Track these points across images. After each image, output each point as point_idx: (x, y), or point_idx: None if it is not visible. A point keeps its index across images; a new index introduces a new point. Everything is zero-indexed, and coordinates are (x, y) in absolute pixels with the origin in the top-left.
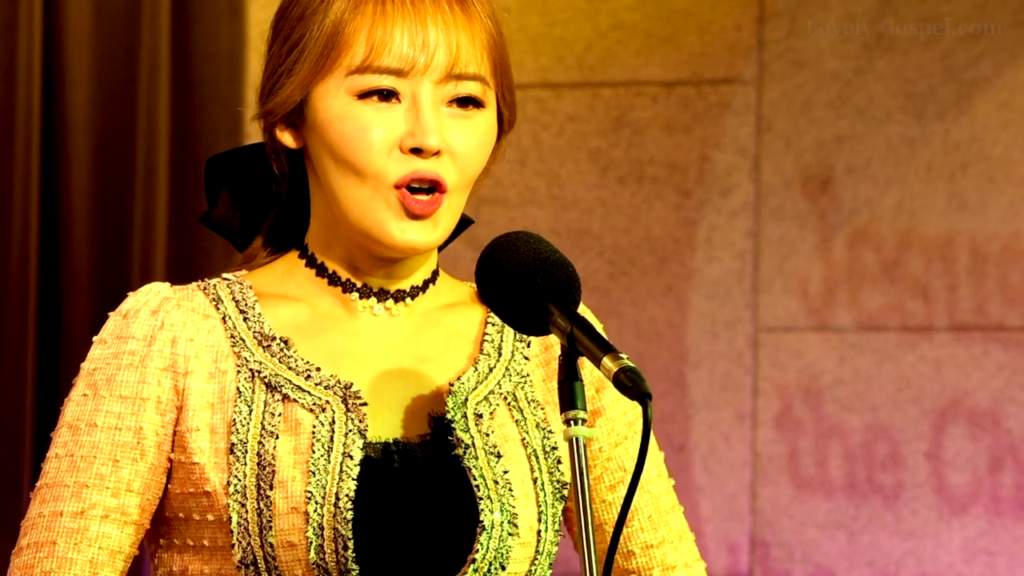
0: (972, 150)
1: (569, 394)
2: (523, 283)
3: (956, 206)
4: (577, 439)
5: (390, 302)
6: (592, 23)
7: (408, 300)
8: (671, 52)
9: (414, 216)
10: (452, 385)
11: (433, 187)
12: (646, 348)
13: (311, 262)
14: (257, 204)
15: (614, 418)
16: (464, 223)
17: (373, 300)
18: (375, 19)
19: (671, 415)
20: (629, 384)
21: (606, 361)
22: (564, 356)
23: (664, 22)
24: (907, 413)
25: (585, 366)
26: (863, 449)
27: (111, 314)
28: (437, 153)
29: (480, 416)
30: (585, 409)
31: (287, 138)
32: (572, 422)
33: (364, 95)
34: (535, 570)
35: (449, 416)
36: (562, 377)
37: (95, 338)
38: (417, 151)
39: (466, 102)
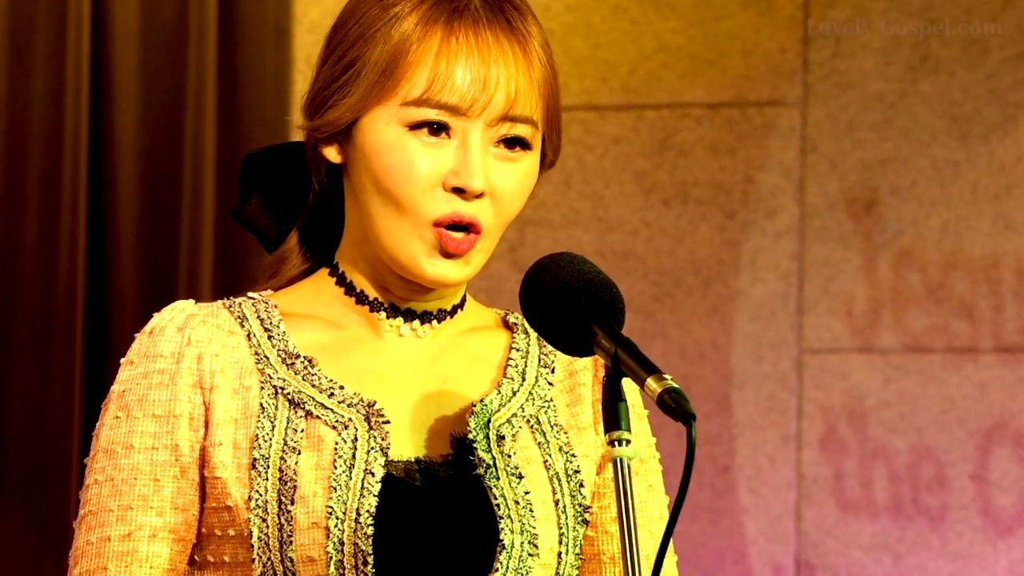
0: (1017, 171)
1: (613, 415)
2: (567, 304)
3: (1001, 227)
4: (621, 460)
5: (416, 323)
6: (637, 45)
7: (435, 323)
8: (716, 74)
9: (447, 255)
10: (475, 406)
11: (469, 227)
12: (691, 369)
13: (341, 280)
14: (290, 205)
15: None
16: None
17: (400, 320)
18: (440, 52)
19: (716, 436)
20: (673, 405)
21: (650, 382)
22: (608, 377)
23: (709, 45)
24: (952, 435)
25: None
26: (908, 471)
27: (137, 335)
28: (480, 195)
29: (502, 438)
30: (629, 430)
31: (331, 153)
32: (616, 443)
33: (415, 126)
34: None
35: (471, 436)
36: (606, 398)
37: (123, 360)
38: (460, 191)
39: (514, 143)
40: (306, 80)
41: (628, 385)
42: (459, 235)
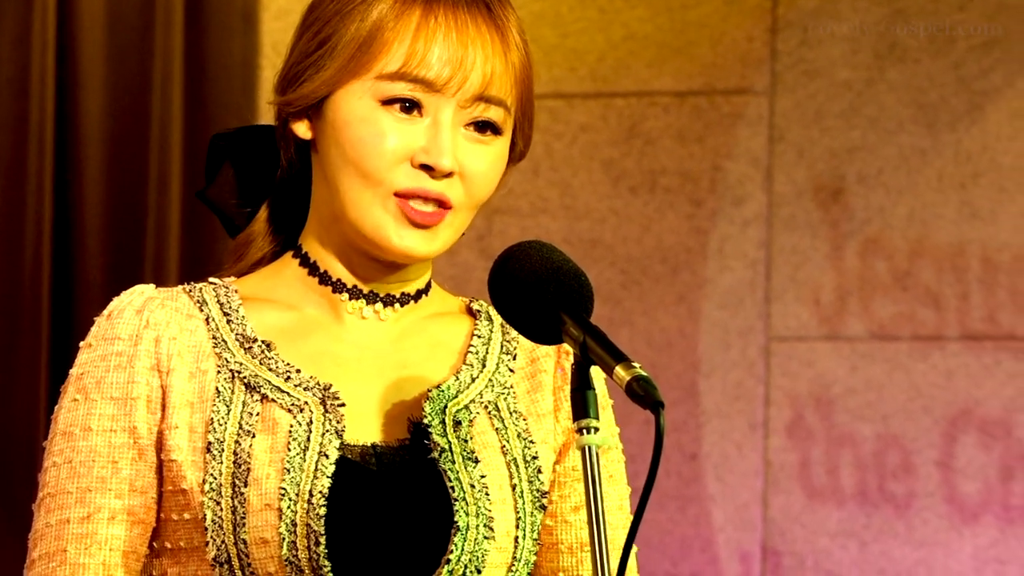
0: (983, 160)
1: (582, 403)
2: (536, 292)
3: (967, 215)
4: (590, 448)
5: (379, 305)
6: (605, 34)
7: (398, 306)
8: (683, 63)
9: (416, 225)
10: (431, 392)
11: (437, 202)
12: (658, 357)
13: (304, 261)
14: (256, 187)
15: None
16: None
17: (363, 302)
18: (419, 29)
19: (683, 424)
20: (642, 393)
21: (619, 370)
22: (576, 365)
23: (676, 33)
24: (918, 422)
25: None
26: (874, 458)
27: (96, 318)
28: (449, 175)
29: (459, 423)
30: (598, 418)
31: (300, 128)
32: (585, 431)
33: (388, 102)
34: None
35: (427, 421)
36: (574, 386)
37: (81, 343)
38: (428, 168)
39: (485, 127)
40: (273, 67)
41: (594, 373)
42: (428, 208)
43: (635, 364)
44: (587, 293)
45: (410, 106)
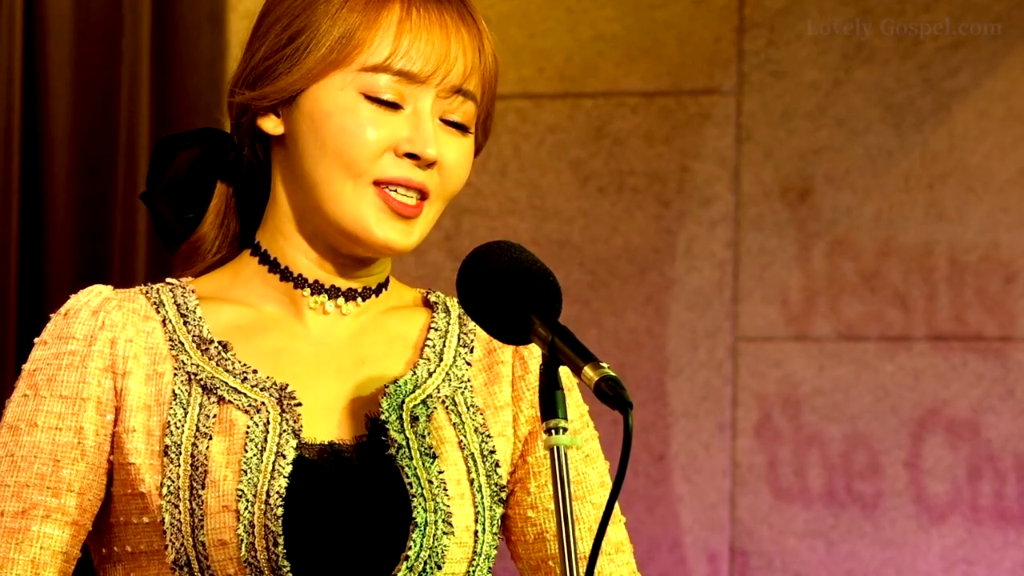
0: (951, 160)
1: (550, 403)
2: (504, 293)
3: (934, 216)
4: (558, 448)
5: (341, 300)
6: (572, 34)
7: (359, 300)
8: (651, 63)
9: (397, 215)
10: (387, 388)
11: (418, 192)
12: (626, 358)
13: (264, 259)
14: (199, 192)
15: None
16: None
17: (324, 297)
18: (403, 21)
19: (651, 424)
20: (610, 393)
21: (587, 370)
22: (545, 365)
23: (644, 33)
24: (886, 423)
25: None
26: (842, 459)
27: (52, 315)
28: (432, 164)
29: (416, 419)
30: (566, 418)
31: (268, 124)
32: (553, 431)
33: (370, 97)
34: (473, 571)
35: (383, 417)
36: (543, 386)
37: (36, 339)
38: (413, 157)
39: (455, 126)
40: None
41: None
42: (410, 199)
43: (603, 364)
44: (555, 293)
45: (391, 104)
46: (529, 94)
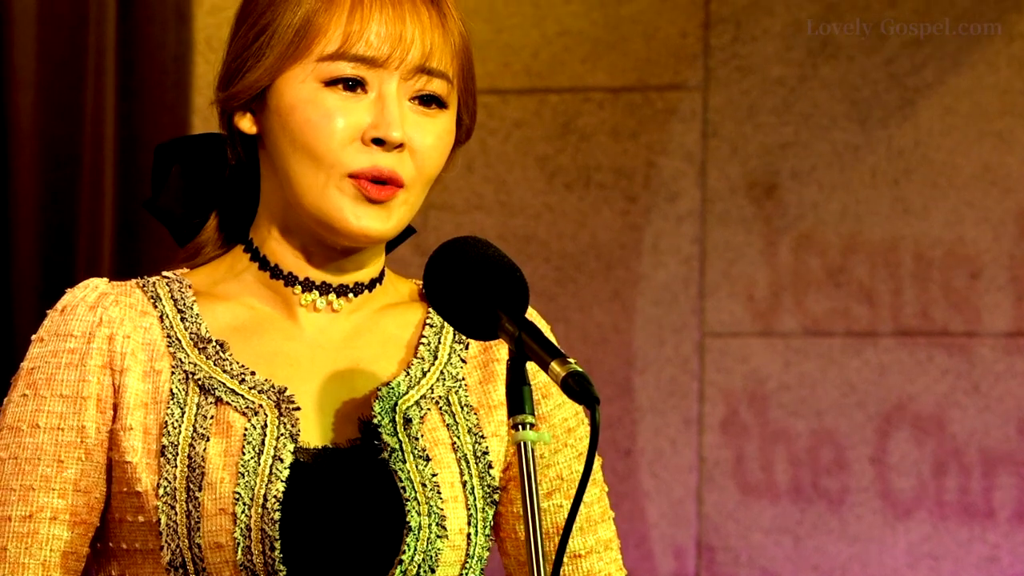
0: (916, 156)
1: (517, 399)
2: (471, 288)
3: (900, 211)
4: (525, 444)
5: (332, 296)
6: (539, 29)
7: (351, 296)
8: (617, 58)
9: (371, 200)
10: (380, 390)
11: (389, 180)
12: (592, 353)
13: (255, 256)
14: (201, 195)
15: (555, 425)
16: (407, 231)
17: (315, 294)
18: (353, 9)
19: (618, 420)
20: (577, 389)
21: (554, 366)
22: (512, 361)
23: (610, 29)
24: (852, 418)
25: (529, 370)
26: (808, 454)
27: (49, 311)
28: (399, 147)
29: (409, 421)
30: (533, 414)
31: (245, 123)
32: (520, 426)
33: (331, 83)
34: (466, 573)
35: (376, 420)
36: (510, 382)
37: (33, 336)
38: (379, 142)
39: (429, 101)
40: (207, 62)
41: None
42: (380, 185)
43: (570, 360)
44: (522, 289)
45: (353, 84)
46: (495, 89)
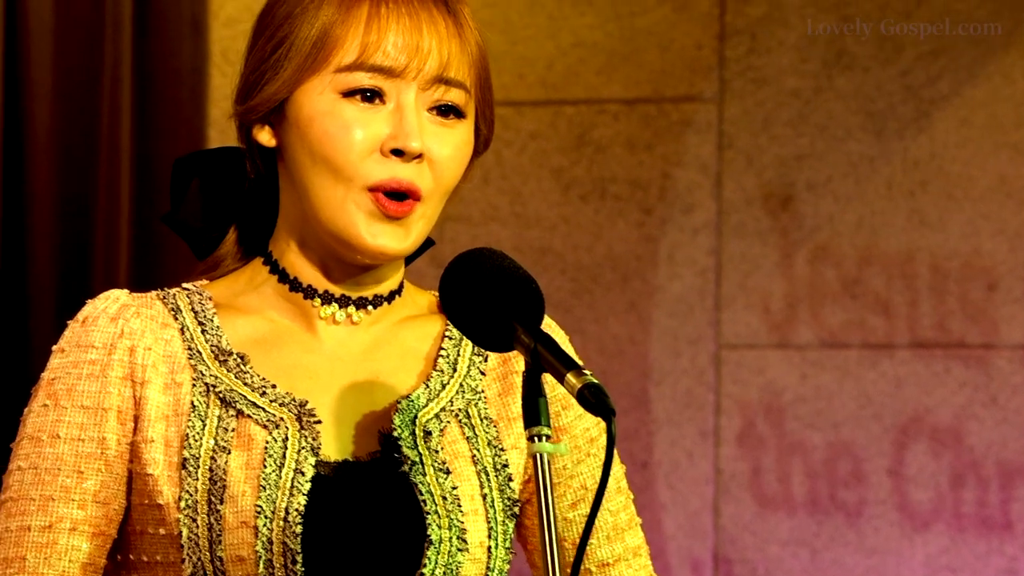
0: (931, 167)
1: (533, 410)
2: (487, 300)
3: (916, 223)
4: (541, 455)
5: (351, 308)
6: (554, 41)
7: (370, 308)
8: (632, 70)
9: (388, 217)
10: (399, 403)
11: (407, 194)
12: (608, 365)
13: (274, 268)
14: (220, 209)
15: (576, 435)
16: (426, 244)
17: (335, 306)
18: (370, 20)
19: (634, 432)
20: (593, 400)
21: (570, 377)
22: (528, 372)
23: (625, 40)
24: (869, 430)
25: (548, 383)
26: (825, 466)
27: (70, 322)
28: (418, 158)
29: (429, 433)
30: (549, 425)
31: (263, 136)
32: (536, 438)
33: (349, 93)
34: None
35: (396, 433)
36: (526, 393)
37: (54, 347)
38: (398, 153)
39: (447, 111)
40: (222, 74)
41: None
42: (398, 200)
43: (586, 372)
44: (538, 300)
45: (371, 95)
46: (511, 101)
